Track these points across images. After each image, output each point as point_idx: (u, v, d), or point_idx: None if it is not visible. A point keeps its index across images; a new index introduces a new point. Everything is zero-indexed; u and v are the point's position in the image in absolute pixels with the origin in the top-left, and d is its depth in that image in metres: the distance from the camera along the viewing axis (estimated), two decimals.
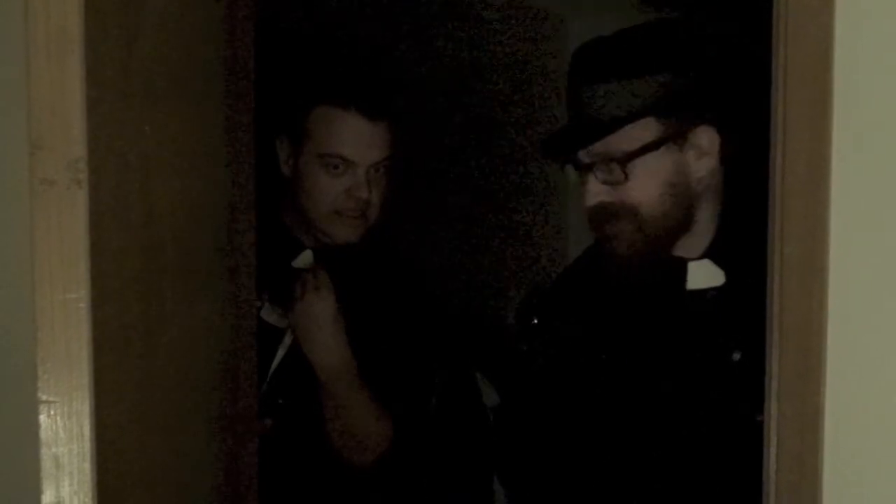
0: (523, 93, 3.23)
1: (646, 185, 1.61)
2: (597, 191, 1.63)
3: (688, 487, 1.67)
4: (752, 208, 1.34)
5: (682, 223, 1.65)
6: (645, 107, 1.60)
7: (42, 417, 1.20)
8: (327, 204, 1.95)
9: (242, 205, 1.65)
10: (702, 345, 1.67)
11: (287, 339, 1.98)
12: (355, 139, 1.93)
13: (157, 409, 1.37)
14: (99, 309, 1.21)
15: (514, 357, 1.89)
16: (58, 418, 1.20)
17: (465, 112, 3.05)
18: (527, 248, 3.27)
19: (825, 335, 1.19)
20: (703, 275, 1.68)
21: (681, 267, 1.68)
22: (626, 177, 1.60)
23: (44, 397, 1.20)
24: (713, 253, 1.68)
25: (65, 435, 1.20)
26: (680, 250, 1.68)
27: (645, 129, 1.61)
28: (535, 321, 1.85)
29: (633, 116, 1.60)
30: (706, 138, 1.62)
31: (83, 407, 1.20)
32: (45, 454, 1.20)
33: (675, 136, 1.61)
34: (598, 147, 1.62)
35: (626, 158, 1.60)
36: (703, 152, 1.63)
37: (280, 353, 1.98)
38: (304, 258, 2.02)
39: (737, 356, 1.62)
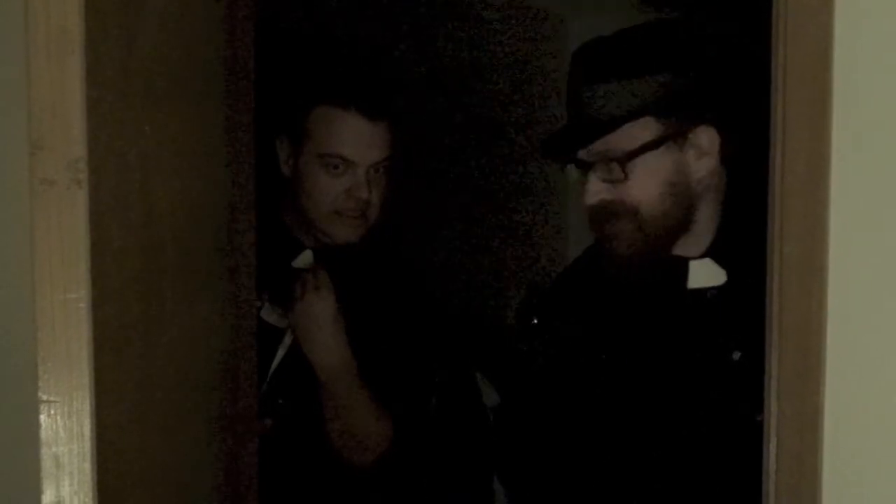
0: (523, 93, 3.23)
1: (645, 185, 1.61)
2: (597, 190, 1.64)
3: (688, 487, 1.67)
4: (754, 208, 1.34)
5: (682, 223, 1.65)
6: (644, 106, 1.60)
7: (42, 417, 1.20)
8: (327, 204, 1.95)
9: (242, 205, 1.65)
10: (702, 344, 1.67)
11: (287, 339, 1.98)
12: (355, 139, 1.93)
13: (157, 409, 1.37)
14: (99, 309, 1.21)
15: (514, 357, 1.89)
16: (58, 418, 1.20)
17: (465, 112, 3.05)
18: (527, 248, 3.27)
19: (824, 335, 1.20)
20: (705, 274, 1.68)
21: (682, 266, 1.68)
22: (626, 176, 1.61)
23: (44, 397, 1.20)
24: (714, 252, 1.68)
25: (65, 434, 1.20)
26: (681, 249, 1.68)
27: (645, 129, 1.61)
28: (535, 321, 1.85)
29: (632, 116, 1.60)
30: (706, 138, 1.63)
31: (83, 406, 1.20)
32: (46, 454, 1.20)
33: (674, 136, 1.62)
34: (598, 146, 1.62)
35: (626, 158, 1.60)
36: (702, 152, 1.63)
37: (280, 353, 1.98)
38: (304, 258, 2.02)
39: (737, 355, 1.62)
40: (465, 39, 3.10)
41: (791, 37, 1.18)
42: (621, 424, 1.70)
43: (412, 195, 2.40)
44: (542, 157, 1.86)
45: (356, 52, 2.12)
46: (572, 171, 1.69)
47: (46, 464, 1.20)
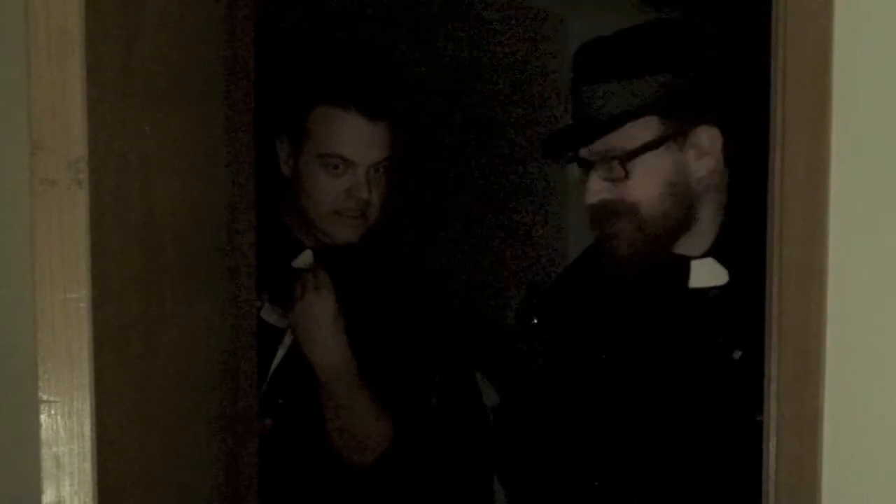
0: (523, 93, 3.23)
1: (646, 184, 1.62)
2: (598, 189, 1.64)
3: (688, 487, 1.67)
4: (757, 208, 1.34)
5: (683, 222, 1.66)
6: (645, 106, 1.60)
7: (43, 417, 1.20)
8: (327, 204, 1.95)
9: (242, 205, 1.65)
10: (703, 343, 1.67)
11: (287, 339, 1.98)
12: (355, 139, 1.93)
13: (157, 408, 1.37)
14: (99, 309, 1.21)
15: (514, 357, 1.89)
16: (58, 418, 1.20)
17: (465, 112, 3.05)
18: (527, 248, 3.27)
19: (824, 337, 1.20)
20: (707, 273, 1.68)
21: (683, 265, 1.69)
22: (627, 175, 1.61)
23: (44, 397, 1.20)
24: (717, 252, 1.68)
25: (65, 434, 1.20)
26: (682, 249, 1.68)
27: (645, 128, 1.61)
28: (535, 321, 1.85)
29: (632, 115, 1.60)
30: (707, 138, 1.63)
31: (84, 406, 1.20)
32: (46, 454, 1.20)
33: (675, 136, 1.62)
34: (599, 145, 1.63)
35: (627, 157, 1.61)
36: (703, 152, 1.63)
37: (280, 353, 1.98)
38: (304, 258, 2.02)
39: (738, 355, 1.63)
40: (465, 39, 3.10)
41: (791, 40, 1.18)
42: (621, 424, 1.70)
43: (412, 195, 2.40)
44: (544, 156, 1.86)
45: (356, 52, 2.12)
46: (574, 169, 1.69)
47: (47, 464, 1.20)
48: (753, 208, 1.42)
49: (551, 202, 3.32)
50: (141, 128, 1.31)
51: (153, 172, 1.34)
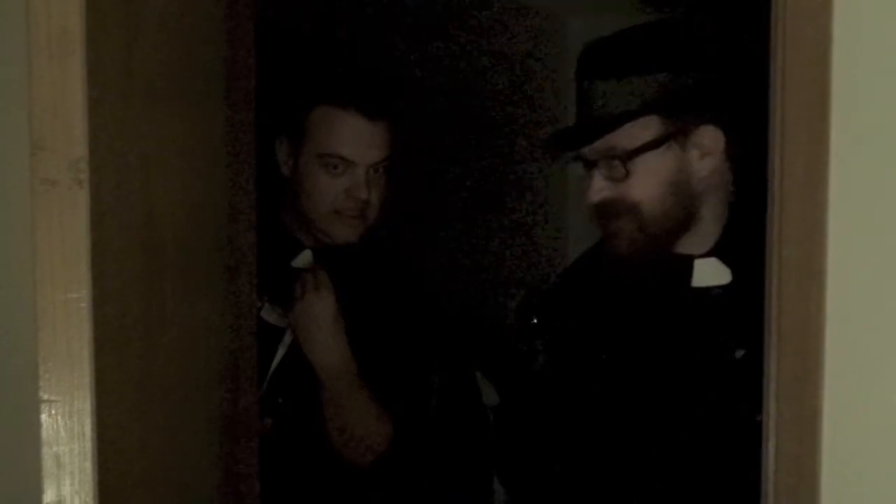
0: (523, 93, 3.23)
1: (647, 183, 1.62)
2: (600, 187, 1.64)
3: (689, 487, 1.67)
4: (759, 207, 1.34)
5: (685, 221, 1.66)
6: (646, 106, 1.61)
7: (43, 416, 1.21)
8: (327, 204, 1.95)
9: (242, 205, 1.65)
10: (705, 342, 1.67)
11: (287, 339, 1.98)
12: (355, 139, 1.93)
13: (157, 408, 1.37)
14: (100, 308, 1.21)
15: (514, 357, 1.89)
16: (59, 417, 1.20)
17: (465, 112, 3.05)
18: (527, 248, 3.27)
19: (823, 337, 1.20)
20: (709, 272, 1.68)
21: (686, 264, 1.69)
22: (628, 174, 1.61)
23: (45, 396, 1.20)
24: (720, 251, 1.68)
25: (66, 434, 1.20)
26: (685, 248, 1.68)
27: (646, 128, 1.61)
28: (535, 321, 1.85)
29: (634, 115, 1.61)
30: (709, 138, 1.63)
31: (84, 406, 1.20)
32: (47, 453, 1.21)
33: (676, 136, 1.62)
34: (601, 144, 1.63)
35: (628, 156, 1.61)
36: (705, 152, 1.63)
37: (280, 353, 1.98)
38: (304, 258, 2.02)
39: (740, 354, 1.63)
40: (465, 39, 3.10)
41: (790, 40, 1.18)
42: (622, 424, 1.70)
43: (412, 195, 2.40)
44: (548, 154, 1.87)
45: (356, 52, 2.13)
46: (576, 168, 1.70)
47: (47, 463, 1.21)
48: (756, 208, 1.42)
49: (551, 202, 3.32)
50: (141, 128, 1.31)
51: (153, 172, 1.34)
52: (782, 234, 1.20)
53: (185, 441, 1.47)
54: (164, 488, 1.40)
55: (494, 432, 2.26)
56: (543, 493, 1.81)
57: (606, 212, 1.65)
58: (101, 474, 1.21)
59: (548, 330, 1.82)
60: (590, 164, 1.66)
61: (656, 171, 1.62)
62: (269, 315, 1.96)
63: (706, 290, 1.68)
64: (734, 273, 1.67)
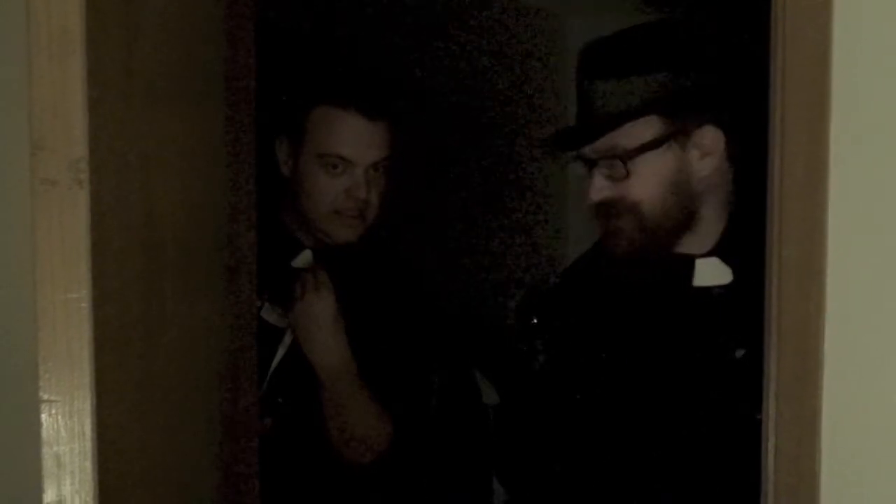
0: (523, 93, 3.23)
1: (647, 183, 1.62)
2: (601, 186, 1.65)
3: (689, 486, 1.67)
4: (761, 207, 1.34)
5: (685, 221, 1.66)
6: (646, 105, 1.61)
7: (43, 416, 1.21)
8: (326, 204, 1.95)
9: (242, 205, 1.65)
10: (706, 342, 1.67)
11: (287, 339, 1.98)
12: (354, 139, 1.93)
13: (157, 408, 1.37)
14: (100, 308, 1.21)
15: (514, 357, 1.89)
16: (59, 417, 1.20)
17: (464, 112, 3.05)
18: (527, 248, 3.27)
19: (823, 338, 1.20)
20: (711, 272, 1.68)
21: (687, 264, 1.69)
22: (628, 174, 1.61)
23: (45, 396, 1.21)
24: (721, 251, 1.68)
25: (66, 434, 1.20)
26: (686, 247, 1.69)
27: (647, 128, 1.62)
28: (535, 321, 1.85)
29: (634, 115, 1.61)
30: (709, 138, 1.63)
31: (84, 406, 1.20)
32: (47, 453, 1.21)
33: (676, 136, 1.62)
34: (601, 144, 1.63)
35: (628, 156, 1.61)
36: (705, 152, 1.64)
37: (280, 353, 1.98)
38: (304, 258, 2.02)
39: (740, 353, 1.63)
40: (465, 39, 3.10)
41: (790, 40, 1.18)
42: (622, 423, 1.70)
43: (411, 195, 2.40)
44: (550, 154, 1.87)
45: (356, 52, 2.13)
46: (580, 167, 1.70)
47: (47, 463, 1.21)
48: (757, 208, 1.42)
49: (551, 202, 3.32)
50: (141, 128, 1.31)
51: (153, 172, 1.35)
52: (782, 234, 1.20)
53: (185, 441, 1.47)
54: (164, 488, 1.40)
55: (494, 432, 2.27)
56: (543, 492, 1.81)
57: (607, 211, 1.66)
58: (101, 474, 1.21)
59: (548, 330, 1.82)
60: (590, 164, 1.66)
61: (657, 170, 1.62)
62: (269, 315, 1.97)
63: (707, 290, 1.68)
64: (735, 273, 1.68)
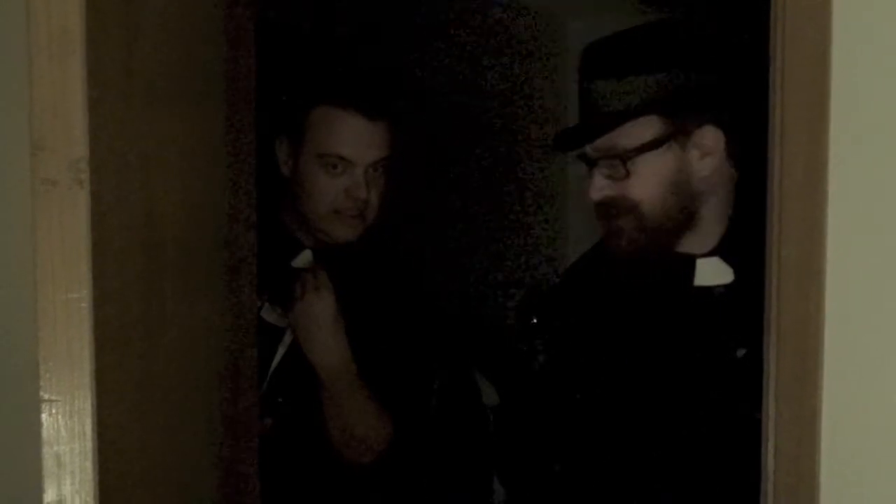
0: (523, 93, 3.23)
1: (647, 182, 1.62)
2: (601, 186, 1.65)
3: (689, 486, 1.67)
4: (762, 207, 1.34)
5: (685, 221, 1.66)
6: (646, 105, 1.61)
7: (44, 416, 1.21)
8: (326, 204, 1.95)
9: (242, 205, 1.65)
10: (707, 341, 1.67)
11: (287, 339, 1.98)
12: (354, 139, 1.93)
13: (157, 408, 1.37)
14: (100, 308, 1.21)
15: (514, 357, 1.89)
16: (59, 417, 1.20)
17: (465, 112, 3.05)
18: (527, 248, 3.27)
19: (822, 337, 1.20)
20: (712, 272, 1.68)
21: (688, 264, 1.69)
22: (628, 173, 1.62)
23: (45, 396, 1.21)
24: (722, 250, 1.69)
25: (66, 434, 1.20)
26: (686, 247, 1.69)
27: (647, 128, 1.62)
28: (535, 321, 1.85)
29: (634, 114, 1.61)
30: (710, 138, 1.63)
31: (84, 406, 1.20)
32: (47, 453, 1.21)
33: (677, 136, 1.62)
34: (602, 143, 1.63)
35: (628, 155, 1.61)
36: (705, 152, 1.64)
37: (280, 353, 1.98)
38: (304, 258, 2.02)
39: (741, 353, 1.63)
40: (465, 39, 3.10)
41: (789, 40, 1.18)
42: (622, 423, 1.70)
43: (411, 195, 2.40)
44: (552, 153, 1.87)
45: (356, 52, 2.13)
46: (577, 168, 1.70)
47: (48, 463, 1.21)
48: (758, 207, 1.42)
49: (551, 202, 3.32)
50: (141, 128, 1.31)
51: (153, 172, 1.35)
52: (782, 234, 1.20)
53: (185, 441, 1.47)
54: (164, 488, 1.40)
55: (494, 432, 2.27)
56: (543, 492, 1.81)
57: (607, 211, 1.66)
58: (101, 474, 1.21)
59: (548, 330, 1.82)
60: (591, 163, 1.66)
61: (657, 170, 1.63)
62: (269, 315, 1.97)
63: (708, 290, 1.69)
64: (736, 272, 1.68)
